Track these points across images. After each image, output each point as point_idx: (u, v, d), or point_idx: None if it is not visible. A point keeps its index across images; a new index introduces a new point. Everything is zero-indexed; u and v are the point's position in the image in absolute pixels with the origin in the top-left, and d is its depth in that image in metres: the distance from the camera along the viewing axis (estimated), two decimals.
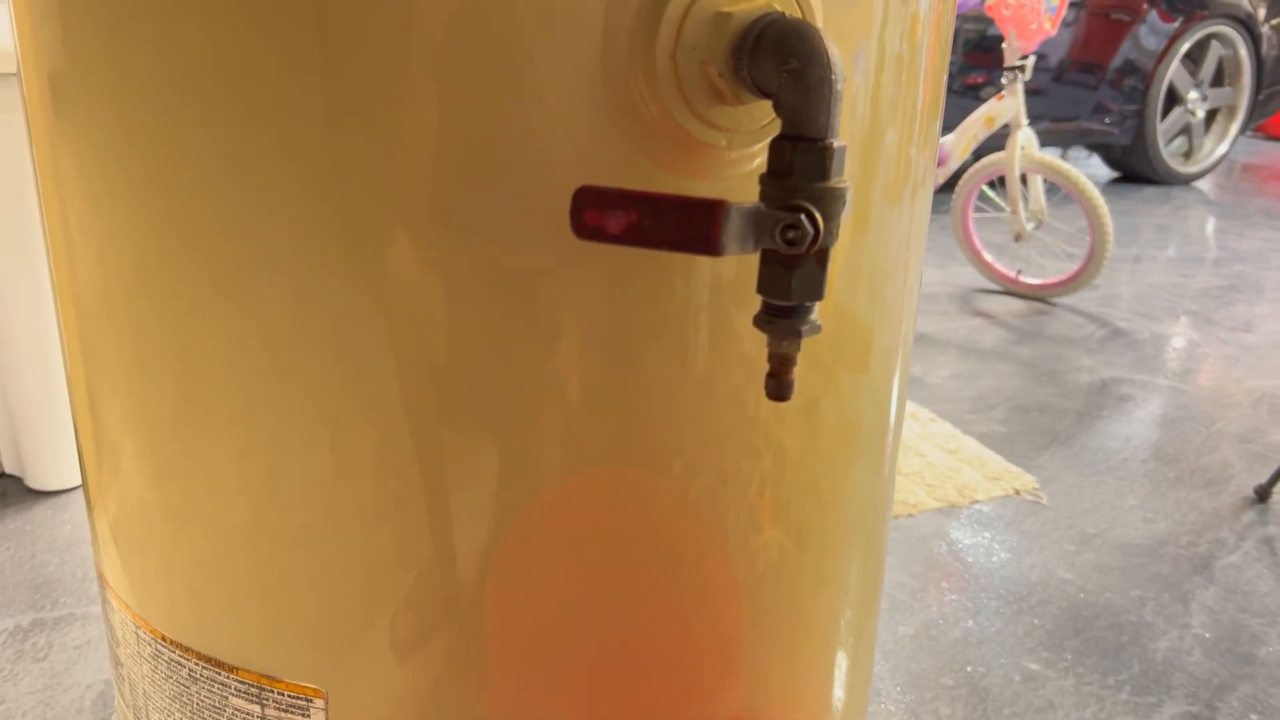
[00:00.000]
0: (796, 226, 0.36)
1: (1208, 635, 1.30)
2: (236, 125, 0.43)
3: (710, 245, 0.36)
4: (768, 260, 0.39)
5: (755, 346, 0.51)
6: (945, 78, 0.59)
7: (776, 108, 0.39)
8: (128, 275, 0.49)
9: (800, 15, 0.43)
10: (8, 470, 1.64)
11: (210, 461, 0.50)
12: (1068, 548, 1.51)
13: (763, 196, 0.38)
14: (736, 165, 0.45)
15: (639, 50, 0.41)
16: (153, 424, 0.51)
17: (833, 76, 0.37)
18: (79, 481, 1.61)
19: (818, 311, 0.40)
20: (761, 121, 0.44)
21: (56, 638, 1.24)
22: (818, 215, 0.37)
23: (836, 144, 0.37)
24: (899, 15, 0.51)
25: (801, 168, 0.37)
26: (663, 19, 0.40)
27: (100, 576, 0.61)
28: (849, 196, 0.48)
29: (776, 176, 0.38)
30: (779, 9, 0.41)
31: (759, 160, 0.46)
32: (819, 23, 0.44)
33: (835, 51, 0.37)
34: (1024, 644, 1.27)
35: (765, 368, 0.51)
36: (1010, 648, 1.26)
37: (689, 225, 0.36)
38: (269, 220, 0.44)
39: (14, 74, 1.42)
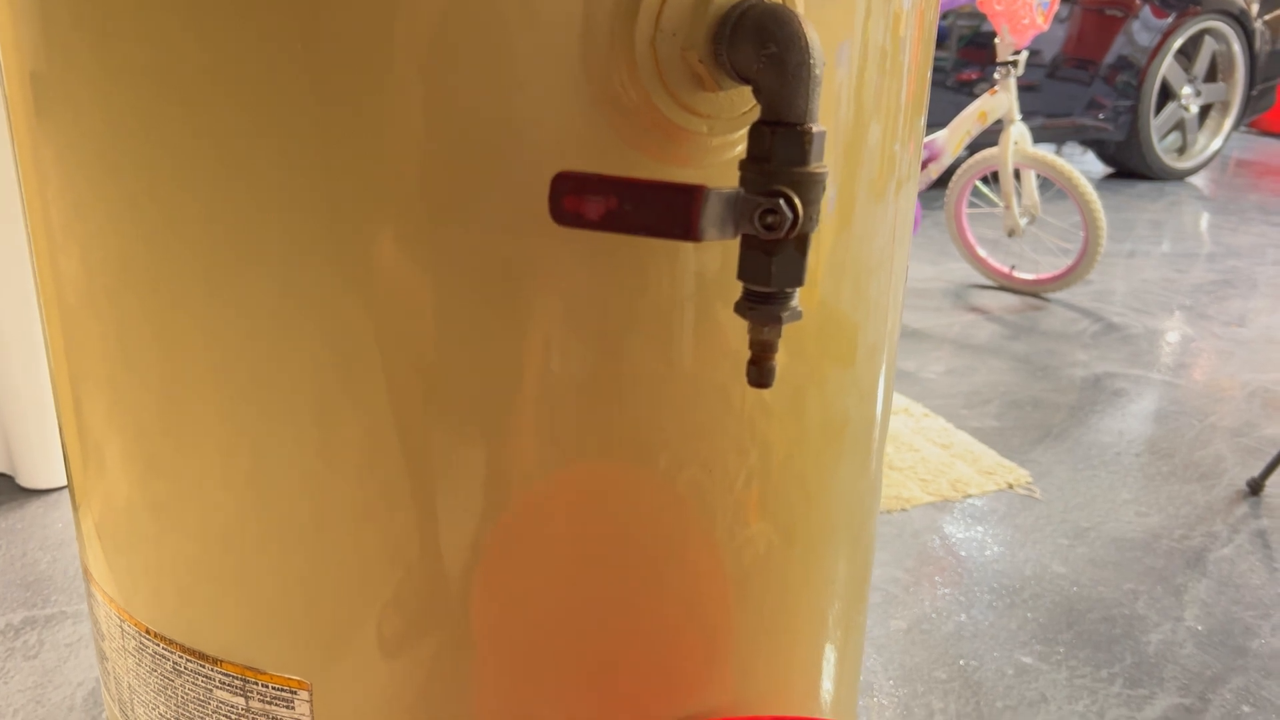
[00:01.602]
0: (775, 211, 0.36)
1: (1200, 628, 1.30)
2: (221, 119, 0.43)
3: (689, 230, 0.36)
4: (748, 246, 0.39)
5: (740, 340, 0.50)
6: (929, 73, 0.59)
7: (756, 93, 0.39)
8: (112, 272, 0.48)
9: (779, 1, 0.43)
10: None
11: (196, 457, 0.50)
12: (1061, 541, 1.51)
13: (742, 181, 0.38)
14: (718, 152, 0.45)
15: (619, 36, 0.41)
16: (138, 420, 0.51)
17: (811, 61, 0.37)
18: None
19: (799, 300, 0.40)
20: (742, 108, 0.43)
21: (48, 635, 1.23)
22: (796, 200, 0.36)
23: (815, 129, 0.37)
24: (882, 10, 0.51)
25: (781, 153, 0.37)
26: (642, 5, 0.40)
27: (85, 571, 0.61)
28: (828, 182, 0.48)
29: (756, 161, 0.38)
30: None
31: (741, 147, 0.46)
32: (799, 9, 0.44)
33: (814, 36, 0.37)
34: (1017, 637, 1.27)
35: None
36: (1003, 641, 1.26)
37: (668, 210, 0.36)
38: (254, 215, 0.44)
39: None
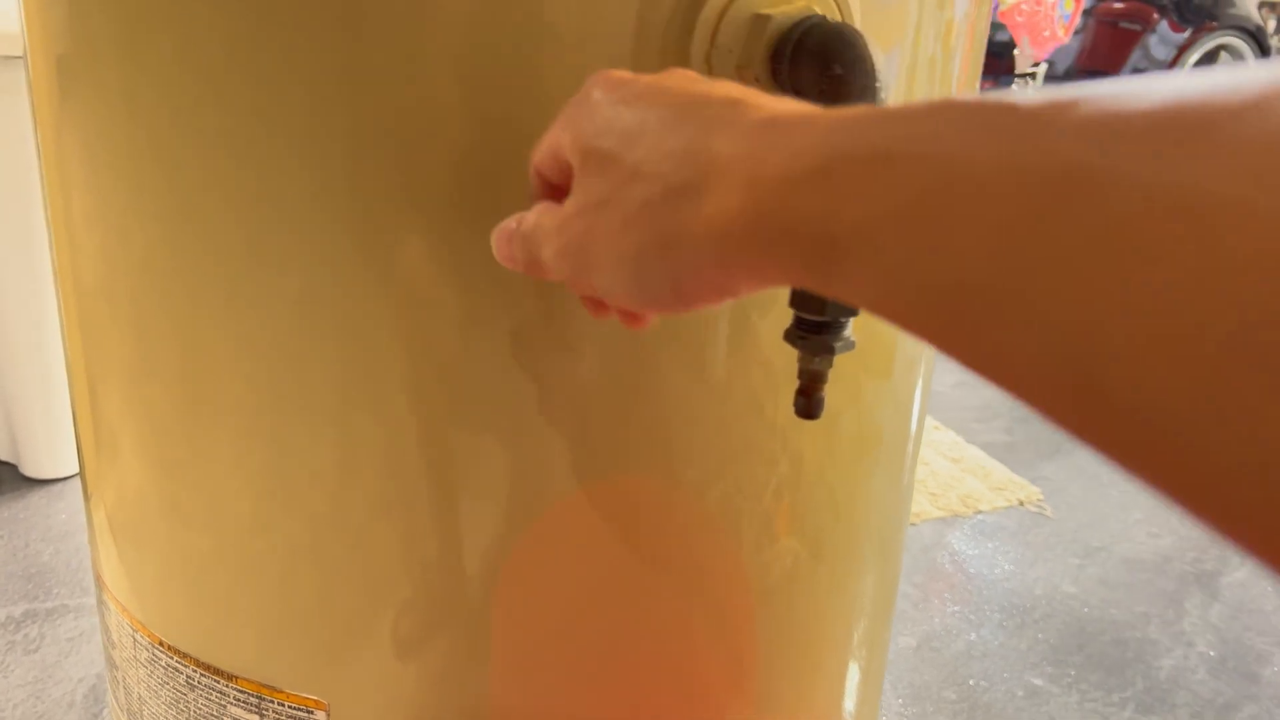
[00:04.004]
0: None
1: (1212, 653, 1.29)
2: (251, 114, 0.42)
3: None
4: None
5: (774, 351, 0.49)
6: (978, 85, 0.58)
7: None
8: (132, 263, 0.47)
9: (838, 13, 0.41)
10: (2, 457, 1.63)
11: (212, 457, 0.49)
12: (1072, 561, 1.50)
13: None
14: None
15: (672, 52, 0.39)
16: (154, 416, 0.50)
17: (876, 85, 0.36)
18: (75, 470, 1.59)
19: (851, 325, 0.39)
20: None
21: (49, 629, 1.22)
22: None
23: None
24: (934, 19, 0.50)
25: None
26: (698, 20, 0.39)
27: (97, 578, 0.60)
28: None
29: None
30: (819, 11, 0.39)
31: None
32: (857, 21, 0.43)
33: (880, 58, 0.36)
34: (1027, 658, 1.26)
35: (784, 372, 0.49)
36: (1013, 662, 1.25)
37: None
38: (281, 211, 0.43)
39: (17, 56, 1.40)
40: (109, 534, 0.56)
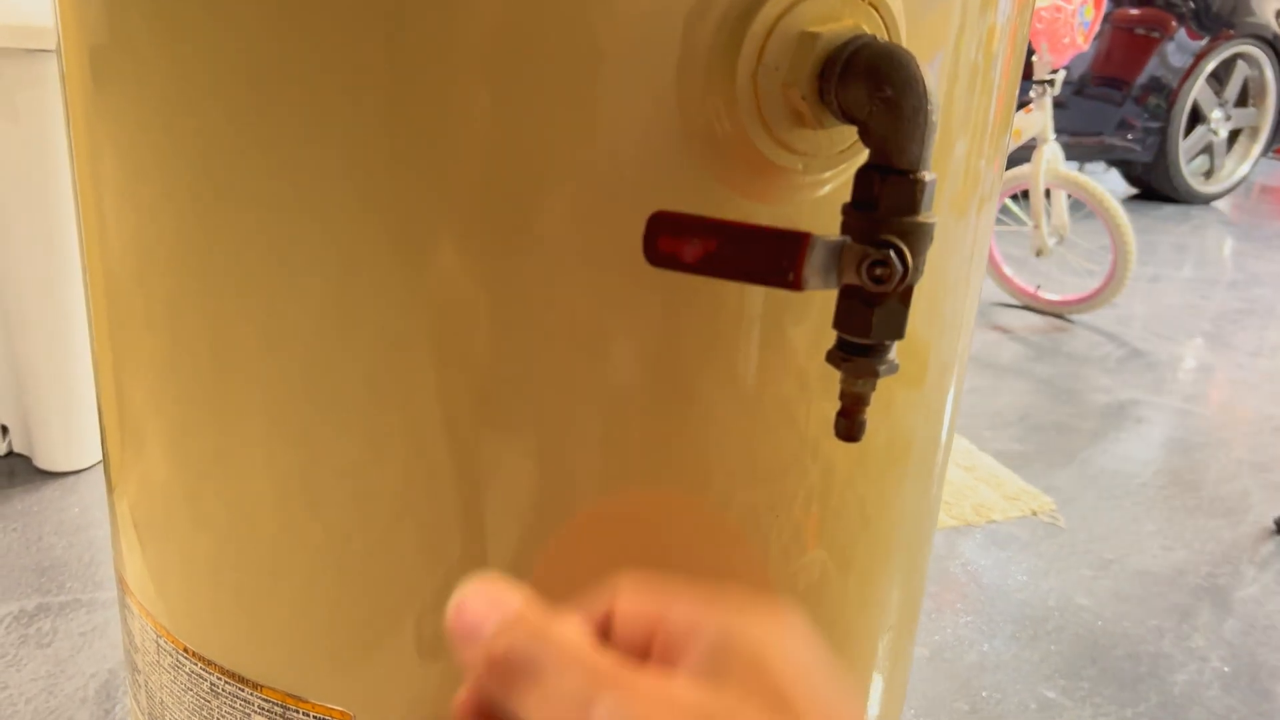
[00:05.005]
0: (885, 263, 0.34)
1: (1226, 669, 1.28)
2: (292, 109, 0.41)
3: (793, 280, 0.34)
4: (848, 295, 0.37)
5: (808, 360, 0.49)
6: (1017, 90, 0.57)
7: (864, 136, 0.37)
8: (164, 257, 0.47)
9: (885, 32, 0.41)
10: (16, 449, 1.63)
11: (238, 457, 0.48)
12: (1085, 572, 1.49)
13: (847, 229, 0.36)
14: (808, 190, 0.43)
15: (718, 68, 0.39)
16: (181, 413, 0.50)
17: (928, 107, 0.35)
18: (89, 463, 1.59)
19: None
20: (840, 146, 0.42)
21: (61, 623, 1.22)
22: (907, 252, 0.35)
23: (928, 177, 0.35)
24: (976, 25, 0.49)
25: (889, 200, 0.35)
26: (745, 36, 0.38)
27: (120, 580, 0.60)
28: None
29: (861, 208, 0.36)
30: (867, 30, 0.39)
31: (830, 185, 0.44)
32: (904, 40, 0.42)
33: (931, 80, 0.35)
34: (1040, 670, 1.25)
35: (817, 382, 0.49)
36: (1026, 674, 1.25)
37: (770, 257, 0.34)
38: (316, 210, 0.42)
39: (44, 50, 1.40)
40: (133, 533, 0.56)
